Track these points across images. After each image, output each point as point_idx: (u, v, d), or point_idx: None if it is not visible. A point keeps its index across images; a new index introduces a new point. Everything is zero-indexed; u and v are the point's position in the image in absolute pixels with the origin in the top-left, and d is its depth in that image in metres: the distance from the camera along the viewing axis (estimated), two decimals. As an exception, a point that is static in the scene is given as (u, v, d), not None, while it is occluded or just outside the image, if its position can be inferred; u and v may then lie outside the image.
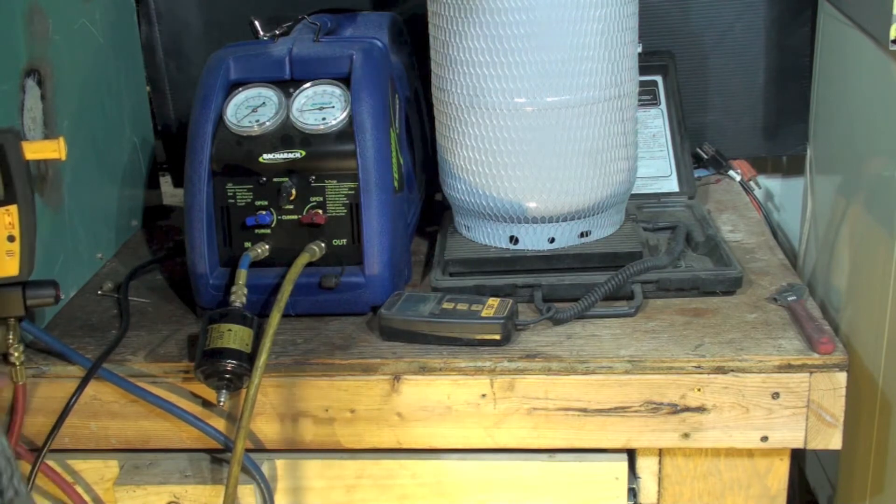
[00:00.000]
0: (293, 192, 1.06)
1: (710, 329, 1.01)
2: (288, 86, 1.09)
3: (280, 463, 1.03)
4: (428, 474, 1.02)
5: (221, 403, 0.95)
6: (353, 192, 1.06)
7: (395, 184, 1.08)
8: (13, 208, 0.94)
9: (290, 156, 1.06)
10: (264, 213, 1.06)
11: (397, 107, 1.15)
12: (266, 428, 1.01)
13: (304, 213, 1.06)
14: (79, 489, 1.04)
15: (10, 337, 0.97)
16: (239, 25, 1.20)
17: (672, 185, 1.31)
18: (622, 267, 1.06)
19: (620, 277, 1.05)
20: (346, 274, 1.06)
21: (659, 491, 1.03)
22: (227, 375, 0.95)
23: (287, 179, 1.06)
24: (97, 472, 1.05)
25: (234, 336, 0.97)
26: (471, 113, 1.08)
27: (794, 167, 1.52)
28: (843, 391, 0.95)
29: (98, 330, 1.08)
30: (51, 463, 1.02)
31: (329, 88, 1.08)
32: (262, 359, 0.95)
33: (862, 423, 1.12)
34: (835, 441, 0.97)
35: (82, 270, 1.18)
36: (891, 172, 1.07)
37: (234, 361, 0.95)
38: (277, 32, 1.14)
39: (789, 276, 1.12)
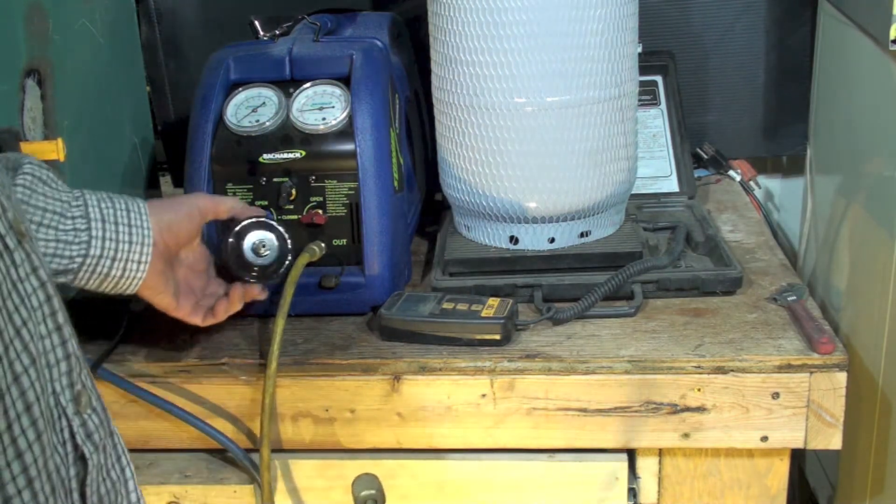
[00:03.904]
0: (293, 192, 1.06)
1: (710, 329, 1.01)
2: (288, 86, 1.09)
3: (280, 463, 1.03)
4: (428, 474, 1.02)
5: (266, 255, 0.96)
6: (353, 192, 1.06)
7: (395, 184, 1.08)
8: (12, 209, 0.94)
9: (290, 156, 1.06)
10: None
11: (397, 107, 1.15)
12: (266, 428, 1.01)
13: (304, 213, 1.06)
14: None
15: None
16: (239, 25, 1.20)
17: (672, 185, 1.31)
18: (622, 267, 1.06)
19: (620, 277, 1.05)
20: (346, 274, 1.06)
21: (659, 491, 1.03)
22: (270, 230, 0.97)
23: (287, 179, 1.06)
24: (97, 472, 1.05)
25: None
26: (471, 113, 1.08)
27: (794, 167, 1.52)
28: (843, 391, 0.95)
29: (98, 330, 1.08)
30: (51, 463, 1.02)
31: (329, 88, 1.08)
32: (273, 367, 0.95)
33: (862, 423, 1.12)
34: (835, 441, 0.97)
35: (82, 270, 1.18)
36: (891, 172, 1.07)
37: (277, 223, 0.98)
38: (277, 32, 1.14)
39: (789, 276, 1.12)
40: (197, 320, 0.95)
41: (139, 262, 0.87)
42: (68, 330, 0.60)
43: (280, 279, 0.98)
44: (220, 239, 0.97)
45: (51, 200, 0.83)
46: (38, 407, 0.54)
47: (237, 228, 0.96)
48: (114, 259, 0.85)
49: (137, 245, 0.86)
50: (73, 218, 0.84)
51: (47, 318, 0.58)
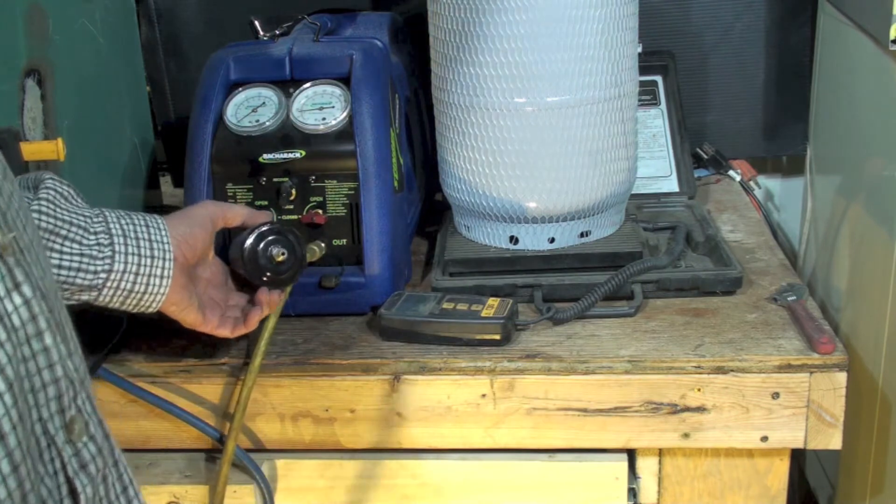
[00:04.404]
0: (293, 192, 1.06)
1: (710, 329, 1.01)
2: (288, 86, 1.09)
3: (280, 463, 1.03)
4: (428, 474, 1.02)
5: (283, 259, 0.95)
6: (353, 192, 1.06)
7: (395, 184, 1.08)
8: (12, 209, 0.94)
9: (290, 156, 1.06)
10: (264, 213, 1.06)
11: (397, 107, 1.15)
12: (266, 428, 1.01)
13: (304, 213, 1.06)
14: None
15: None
16: (239, 25, 1.20)
17: (672, 185, 1.31)
18: (622, 267, 1.06)
19: (620, 277, 1.05)
20: (346, 274, 1.06)
21: (659, 491, 1.03)
22: (283, 235, 0.95)
23: (287, 179, 1.06)
24: (97, 472, 1.05)
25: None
26: (471, 113, 1.08)
27: (794, 167, 1.52)
28: (843, 391, 0.95)
29: (99, 330, 1.08)
30: (51, 463, 1.02)
31: (329, 88, 1.08)
32: (257, 361, 0.96)
33: (862, 423, 1.12)
34: (835, 441, 0.97)
35: (82, 270, 1.17)
36: (891, 172, 1.07)
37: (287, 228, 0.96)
38: (277, 32, 1.14)
39: (789, 276, 1.12)
40: (226, 332, 0.94)
41: (161, 277, 0.86)
42: (60, 351, 0.56)
43: (292, 283, 0.98)
44: (232, 246, 0.97)
45: (74, 215, 0.83)
46: (14, 436, 0.50)
47: (253, 234, 0.95)
48: (137, 274, 0.85)
49: (159, 260, 0.86)
50: (95, 233, 0.84)
51: (32, 338, 0.54)
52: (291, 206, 1.06)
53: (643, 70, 1.17)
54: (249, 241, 0.94)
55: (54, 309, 0.57)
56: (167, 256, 0.86)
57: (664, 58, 1.35)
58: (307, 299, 1.06)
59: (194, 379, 1.00)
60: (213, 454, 1.04)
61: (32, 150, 0.95)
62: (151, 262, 0.86)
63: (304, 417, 1.00)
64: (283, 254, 0.95)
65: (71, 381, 0.57)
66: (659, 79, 1.35)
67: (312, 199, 1.06)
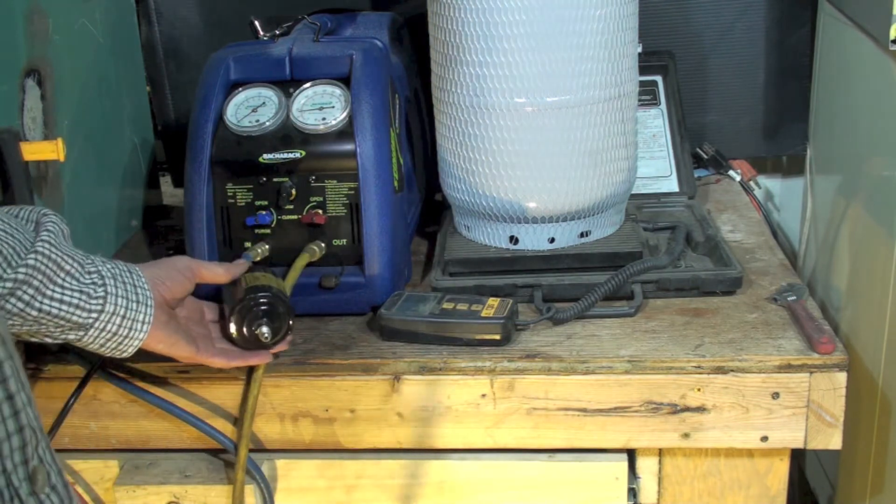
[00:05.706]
0: (293, 192, 1.06)
1: (710, 329, 1.01)
2: (288, 86, 1.09)
3: (280, 463, 1.03)
4: (428, 474, 1.02)
5: (268, 339, 0.94)
6: (353, 192, 1.06)
7: (395, 184, 1.08)
8: (12, 209, 0.94)
9: (290, 156, 1.06)
10: (264, 213, 1.06)
11: (397, 107, 1.15)
12: (266, 428, 1.01)
13: (304, 213, 1.06)
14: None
15: (10, 337, 0.96)
16: (239, 25, 1.20)
17: (672, 185, 1.31)
18: (622, 267, 1.06)
19: (620, 277, 1.05)
20: (346, 274, 1.06)
21: (659, 491, 1.03)
22: (264, 307, 0.94)
23: (287, 179, 1.06)
24: (97, 472, 1.05)
25: (267, 278, 0.97)
26: (471, 113, 1.08)
27: (794, 167, 1.52)
28: (843, 391, 0.95)
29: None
30: (51, 463, 1.02)
31: (329, 88, 1.08)
32: (260, 370, 0.96)
33: (862, 423, 1.12)
34: (835, 441, 0.97)
35: (82, 270, 1.17)
36: (891, 172, 1.07)
37: (268, 294, 0.95)
38: (277, 32, 1.14)
39: (789, 276, 1.12)
40: (223, 363, 0.93)
41: (143, 322, 0.86)
42: (22, 398, 0.55)
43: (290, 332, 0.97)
44: (224, 305, 0.97)
45: (72, 251, 0.83)
46: None
47: (235, 312, 0.94)
48: (123, 317, 0.85)
49: (142, 305, 0.86)
50: (89, 273, 0.84)
51: None
52: (291, 206, 1.06)
53: (643, 70, 1.17)
54: (235, 317, 0.94)
55: (13, 355, 0.55)
56: (149, 303, 0.87)
57: (664, 58, 1.35)
58: (307, 299, 1.06)
59: (194, 379, 1.00)
60: (213, 454, 1.04)
61: (32, 150, 0.95)
62: (136, 306, 0.86)
63: (304, 417, 1.00)
64: (266, 336, 0.94)
65: (34, 430, 0.56)
66: (659, 79, 1.35)
67: (312, 199, 1.06)
